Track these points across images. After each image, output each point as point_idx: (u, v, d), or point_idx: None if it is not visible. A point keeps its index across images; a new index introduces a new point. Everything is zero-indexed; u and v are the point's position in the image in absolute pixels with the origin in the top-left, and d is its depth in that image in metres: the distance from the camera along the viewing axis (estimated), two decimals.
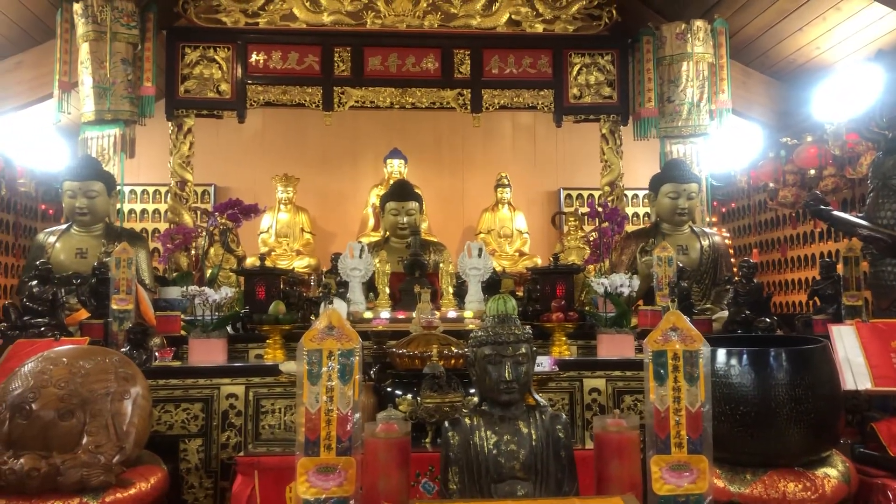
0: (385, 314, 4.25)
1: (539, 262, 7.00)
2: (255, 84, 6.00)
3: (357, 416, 1.70)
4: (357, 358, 1.72)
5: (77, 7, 5.54)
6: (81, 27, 5.53)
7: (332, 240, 7.55)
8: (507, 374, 1.95)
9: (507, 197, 7.46)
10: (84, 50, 5.53)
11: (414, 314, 3.96)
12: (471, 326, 3.71)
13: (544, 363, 3.62)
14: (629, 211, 7.26)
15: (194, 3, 5.92)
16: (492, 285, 4.63)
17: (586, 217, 6.15)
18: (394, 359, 3.18)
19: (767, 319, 4.05)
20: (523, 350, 1.99)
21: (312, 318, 4.59)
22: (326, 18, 6.05)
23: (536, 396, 2.06)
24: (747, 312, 4.34)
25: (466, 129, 7.03)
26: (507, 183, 7.44)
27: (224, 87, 5.96)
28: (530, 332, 2.07)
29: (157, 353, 3.78)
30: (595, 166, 6.45)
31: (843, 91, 5.63)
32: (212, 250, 5.69)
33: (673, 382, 1.76)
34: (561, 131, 6.64)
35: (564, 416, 2.02)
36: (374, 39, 6.11)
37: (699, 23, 5.90)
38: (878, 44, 5.32)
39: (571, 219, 6.93)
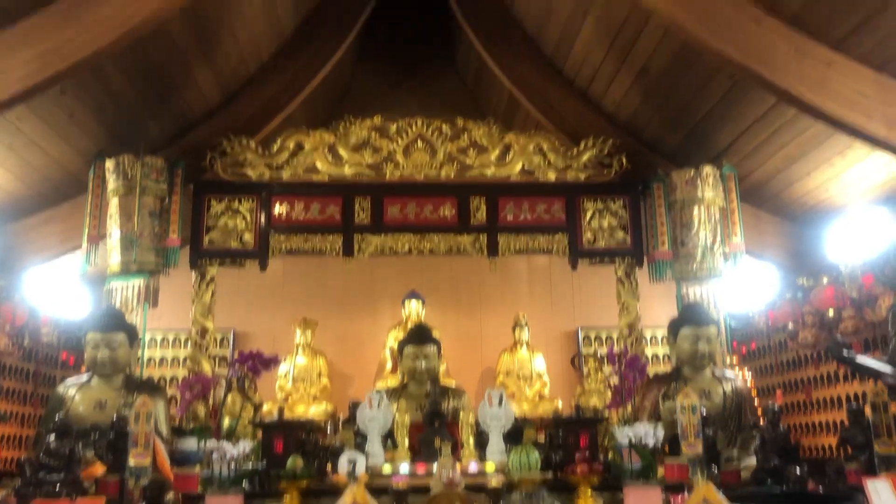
0: (404, 467, 4.17)
1: (560, 404, 6.90)
2: (277, 234, 6.16)
3: None
4: None
5: (109, 164, 5.80)
6: (112, 182, 5.78)
7: (349, 383, 7.51)
8: None
9: (526, 338, 7.44)
10: (114, 204, 5.75)
11: (434, 469, 3.88)
12: (493, 482, 3.63)
13: None
14: (649, 352, 7.20)
15: (221, 159, 6.18)
16: (513, 434, 4.55)
17: (606, 359, 6.11)
18: None
19: (798, 470, 3.93)
20: None
21: (329, 469, 4.50)
22: (348, 171, 6.28)
23: None
24: (776, 461, 4.23)
25: (483, 271, 7.10)
26: (524, 324, 7.45)
27: (247, 237, 6.13)
28: None
29: None
30: (612, 305, 6.47)
31: (855, 232, 5.71)
32: (229, 397, 5.66)
33: None
34: (577, 272, 6.71)
35: None
36: (393, 189, 6.32)
37: (708, 169, 6.08)
38: (885, 187, 5.44)
39: (591, 360, 6.89)
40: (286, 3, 6.45)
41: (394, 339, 7.21)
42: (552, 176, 6.38)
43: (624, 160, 6.34)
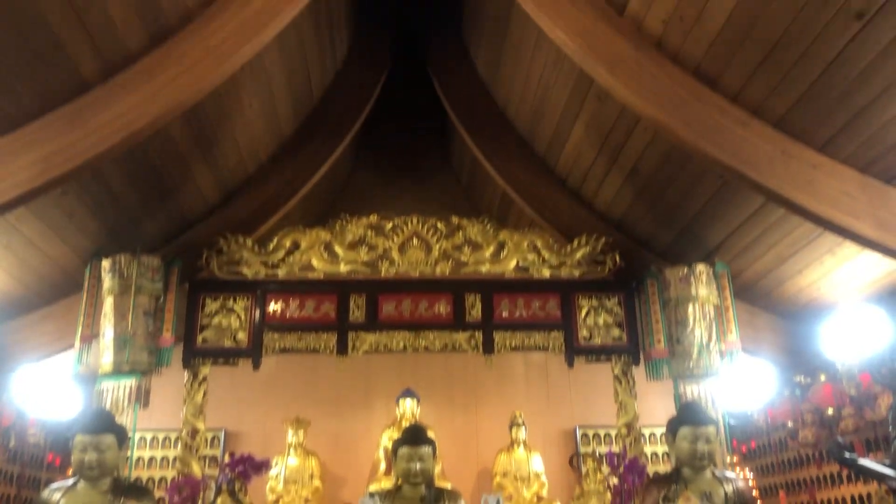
0: None
1: None
2: (271, 332, 6.14)
3: None
4: None
5: (105, 263, 5.83)
6: (108, 282, 5.79)
7: (342, 484, 7.32)
8: None
9: (523, 437, 7.31)
10: (108, 303, 5.74)
11: None
12: None
13: None
14: (648, 450, 7.09)
15: (217, 257, 6.22)
16: None
17: (605, 459, 5.99)
18: None
19: None
20: None
21: None
22: (343, 268, 6.31)
23: None
24: None
25: (479, 368, 7.04)
26: (521, 422, 7.33)
27: (241, 335, 6.10)
28: None
29: None
30: (610, 402, 6.41)
31: (850, 330, 5.71)
32: (219, 500, 5.51)
33: None
34: (574, 369, 6.65)
35: None
36: (388, 287, 6.34)
37: (701, 266, 6.13)
38: (877, 285, 5.48)
39: (590, 460, 6.74)
40: (286, 106, 6.64)
41: (388, 438, 7.07)
42: (547, 273, 6.42)
43: (617, 258, 6.40)
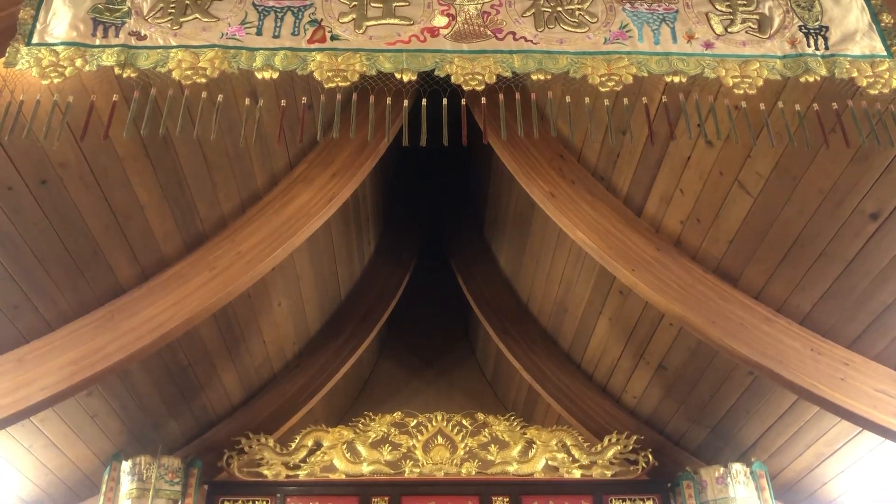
0: None
1: None
2: None
3: None
4: None
5: (125, 465, 5.70)
6: (126, 484, 5.62)
7: None
8: None
9: None
10: None
11: None
12: None
13: None
14: None
15: (238, 457, 6.08)
16: None
17: None
18: None
19: None
20: None
21: None
22: (365, 469, 6.12)
23: None
24: None
25: None
26: None
27: None
28: None
29: None
30: None
31: None
32: None
33: None
34: None
35: None
36: (412, 488, 6.10)
37: (737, 466, 5.87)
38: None
39: None
40: (313, 304, 6.76)
41: None
42: (577, 473, 6.17)
43: (650, 456, 6.17)
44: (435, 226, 8.27)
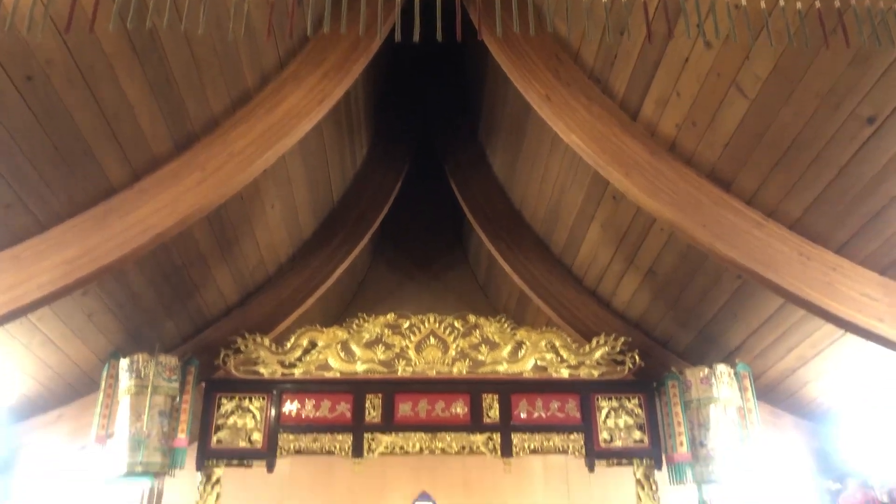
0: None
1: None
2: (286, 433, 6.06)
3: None
4: None
5: (123, 363, 5.83)
6: (125, 381, 5.77)
7: None
8: None
9: None
10: (125, 403, 5.72)
11: None
12: None
13: None
14: None
15: (234, 356, 6.21)
16: None
17: None
18: None
19: None
20: None
21: None
22: (359, 367, 6.28)
23: None
24: None
25: (497, 471, 6.86)
26: None
27: (256, 436, 6.03)
28: None
29: None
30: None
31: (878, 434, 5.56)
32: None
33: None
34: (595, 472, 6.46)
35: None
36: (404, 386, 6.28)
37: (722, 367, 6.04)
38: None
39: None
40: (306, 207, 6.76)
41: None
42: (565, 373, 6.35)
43: (637, 357, 6.32)
44: (428, 130, 8.18)
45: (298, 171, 6.22)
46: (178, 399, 5.92)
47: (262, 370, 6.22)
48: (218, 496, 5.94)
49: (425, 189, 8.34)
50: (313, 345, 6.36)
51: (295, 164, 6.09)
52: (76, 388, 6.08)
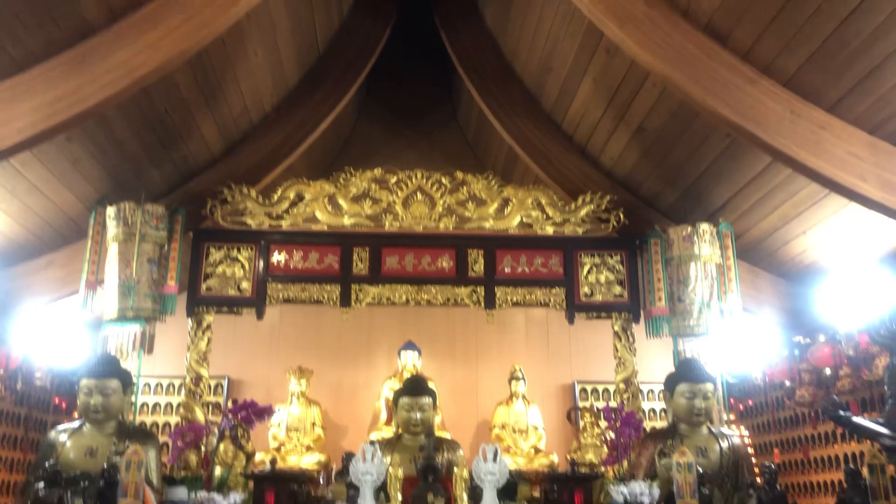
0: None
1: (556, 459, 6.84)
2: (275, 282, 6.18)
3: None
4: None
5: (110, 210, 5.84)
6: (112, 229, 5.81)
7: (343, 434, 7.44)
8: None
9: (522, 390, 7.39)
10: (113, 250, 5.78)
11: None
12: None
13: None
14: (646, 406, 7.16)
15: (221, 207, 6.23)
16: (508, 490, 4.51)
17: (602, 414, 6.07)
18: None
19: None
20: None
21: None
22: (347, 221, 6.33)
23: None
24: None
25: (480, 323, 7.11)
26: (521, 376, 7.41)
27: (245, 285, 6.15)
28: None
29: None
30: (609, 359, 6.46)
31: (851, 292, 5.74)
32: (222, 447, 5.60)
33: None
34: (574, 325, 6.71)
35: None
36: (391, 240, 6.36)
37: (705, 226, 6.13)
38: (880, 248, 5.48)
39: (587, 414, 6.83)
40: (291, 56, 6.58)
41: (389, 389, 7.16)
42: (550, 230, 6.43)
43: (622, 215, 6.39)
44: None
45: (282, 15, 6.00)
46: (166, 247, 5.97)
47: (249, 221, 6.26)
48: (209, 341, 6.12)
49: (414, 42, 8.10)
50: (300, 197, 6.37)
51: (278, 7, 5.87)
52: (64, 235, 6.11)
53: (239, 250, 6.23)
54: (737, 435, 5.75)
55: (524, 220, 6.46)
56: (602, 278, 6.36)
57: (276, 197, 6.33)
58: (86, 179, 5.76)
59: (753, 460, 5.94)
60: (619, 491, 4.09)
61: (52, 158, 5.34)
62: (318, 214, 6.32)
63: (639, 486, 4.09)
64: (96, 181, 5.85)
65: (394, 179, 6.49)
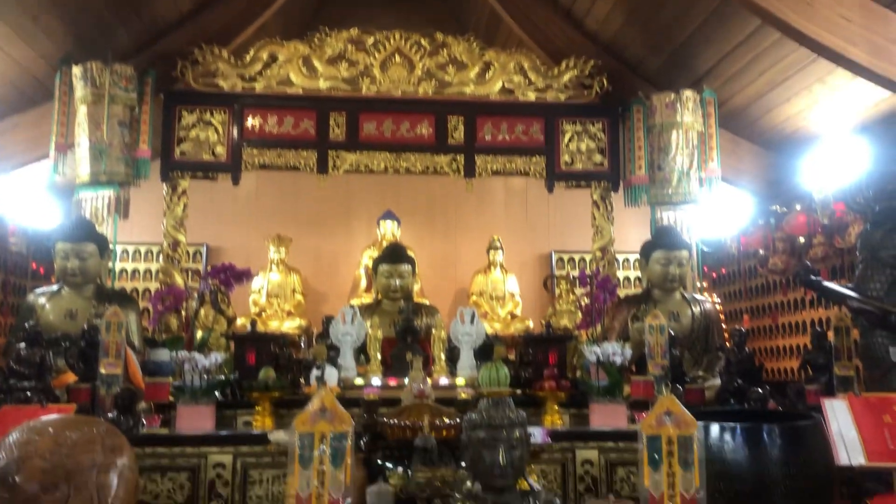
0: (376, 381, 4.24)
1: (531, 325, 6.99)
2: (250, 147, 6.05)
3: (348, 501, 1.67)
4: (349, 441, 1.70)
5: (76, 70, 5.61)
6: (80, 90, 5.60)
7: (323, 300, 7.53)
8: (501, 459, 1.92)
9: (500, 259, 7.47)
10: (82, 112, 5.60)
11: (406, 382, 3.94)
12: (463, 395, 3.69)
13: (537, 435, 3.59)
14: (621, 275, 7.28)
15: (192, 68, 6.00)
16: (484, 350, 4.62)
17: (577, 281, 6.17)
18: (384, 429, 3.13)
19: (760, 390, 4.03)
20: (517, 434, 1.98)
21: (302, 381, 4.55)
22: (322, 84, 6.14)
23: (530, 481, 2.04)
24: (739, 382, 4.35)
25: (459, 193, 7.08)
26: (499, 245, 7.47)
27: (220, 149, 6.02)
28: (524, 415, 2.05)
29: (144, 421, 3.74)
30: (587, 230, 6.50)
31: (830, 161, 5.73)
32: (202, 311, 5.65)
33: (667, 468, 1.74)
34: (553, 195, 6.70)
35: (559, 502, 2.00)
36: (369, 105, 6.20)
37: (688, 93, 6.02)
38: (864, 116, 5.43)
39: (563, 282, 6.95)
40: None
41: (368, 258, 7.20)
42: (532, 96, 6.29)
43: (605, 81, 6.25)
44: None
45: None
46: (136, 110, 5.79)
47: (221, 83, 6.06)
48: (185, 207, 6.05)
49: None
50: (273, 59, 6.15)
51: None
52: (29, 96, 5.88)
53: (212, 114, 6.06)
54: (709, 301, 5.88)
55: (506, 85, 6.30)
56: (583, 146, 6.29)
57: (248, 58, 6.10)
58: (48, 37, 5.49)
59: (724, 326, 6.11)
60: (592, 351, 4.20)
61: (11, 14, 5.06)
62: (293, 77, 6.12)
63: (612, 347, 4.19)
64: (59, 39, 5.58)
65: (371, 40, 6.26)
